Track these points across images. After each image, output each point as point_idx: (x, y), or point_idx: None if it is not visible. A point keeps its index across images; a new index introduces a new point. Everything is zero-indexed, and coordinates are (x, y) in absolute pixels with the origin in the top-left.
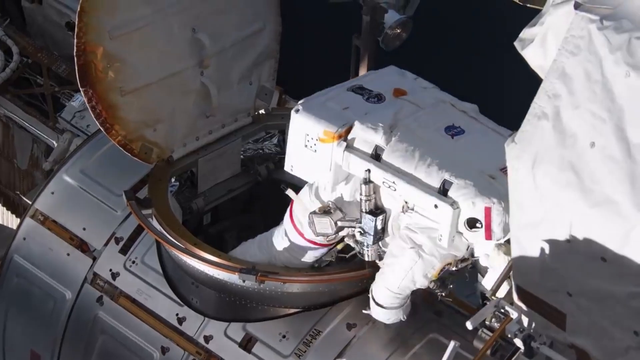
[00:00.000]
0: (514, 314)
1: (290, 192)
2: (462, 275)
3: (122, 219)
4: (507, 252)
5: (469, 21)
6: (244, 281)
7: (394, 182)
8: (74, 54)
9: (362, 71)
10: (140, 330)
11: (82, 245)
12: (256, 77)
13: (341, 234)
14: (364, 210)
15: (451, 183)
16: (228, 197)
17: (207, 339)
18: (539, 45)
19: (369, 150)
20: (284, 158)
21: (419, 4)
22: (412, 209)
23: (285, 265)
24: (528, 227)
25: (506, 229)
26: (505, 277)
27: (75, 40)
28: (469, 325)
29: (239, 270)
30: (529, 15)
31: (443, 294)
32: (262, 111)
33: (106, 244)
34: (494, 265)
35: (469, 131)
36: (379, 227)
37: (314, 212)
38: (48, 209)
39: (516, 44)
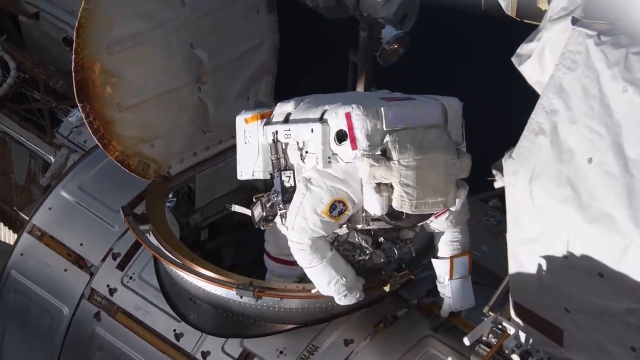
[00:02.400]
0: (511, 330)
1: (235, 207)
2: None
3: (120, 235)
4: (369, 156)
5: (466, 36)
6: (241, 297)
7: (289, 130)
8: (72, 69)
9: (360, 87)
10: (137, 346)
11: (79, 261)
12: (253, 92)
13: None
14: (274, 171)
15: (327, 110)
16: (225, 212)
17: (205, 354)
18: (537, 61)
19: (282, 119)
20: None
21: (416, 20)
22: (307, 152)
23: None
24: (525, 243)
25: (372, 139)
26: (502, 293)
27: (73, 56)
28: (466, 341)
29: (237, 286)
30: (527, 31)
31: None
32: None
33: (103, 260)
34: (362, 176)
35: (378, 94)
36: (286, 183)
37: (251, 204)
38: (45, 225)
39: (513, 59)
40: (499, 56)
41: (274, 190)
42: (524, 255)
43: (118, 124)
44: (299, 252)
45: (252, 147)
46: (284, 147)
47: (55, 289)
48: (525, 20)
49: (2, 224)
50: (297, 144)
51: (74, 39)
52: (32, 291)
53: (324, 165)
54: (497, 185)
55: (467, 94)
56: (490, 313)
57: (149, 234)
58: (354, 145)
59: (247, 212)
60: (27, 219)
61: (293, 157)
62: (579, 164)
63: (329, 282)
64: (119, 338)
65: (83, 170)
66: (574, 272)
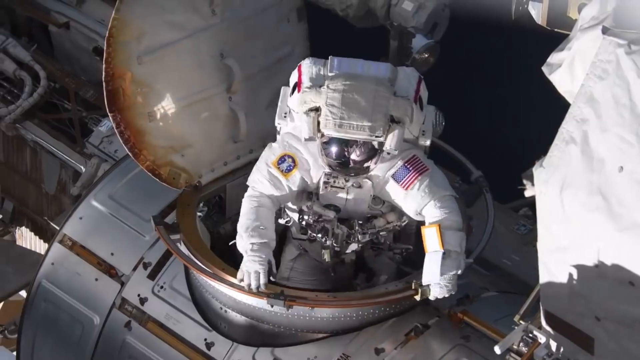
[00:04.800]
0: (542, 339)
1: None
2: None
3: (151, 244)
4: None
5: (496, 45)
6: (272, 306)
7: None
8: (103, 79)
9: None
10: (168, 355)
11: (110, 270)
12: None
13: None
14: None
15: None
16: None
17: None
18: (567, 70)
19: None
20: None
21: (447, 29)
22: None
23: None
24: (556, 252)
25: (314, 81)
26: (532, 301)
27: (103, 66)
28: (497, 349)
29: (267, 295)
30: (557, 40)
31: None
32: None
33: (134, 269)
34: (296, 107)
35: None
36: None
37: None
38: (76, 234)
39: (544, 68)
40: (529, 65)
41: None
42: (555, 263)
43: (149, 134)
44: (244, 200)
45: None
46: None
47: (86, 299)
48: (556, 29)
49: (33, 233)
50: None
51: (105, 48)
52: (63, 301)
53: (278, 117)
54: (527, 194)
55: (498, 103)
56: (521, 322)
57: (180, 244)
58: (299, 89)
59: None
60: (58, 228)
61: None
62: (609, 173)
63: (253, 222)
64: (149, 347)
65: (114, 180)
66: (604, 280)
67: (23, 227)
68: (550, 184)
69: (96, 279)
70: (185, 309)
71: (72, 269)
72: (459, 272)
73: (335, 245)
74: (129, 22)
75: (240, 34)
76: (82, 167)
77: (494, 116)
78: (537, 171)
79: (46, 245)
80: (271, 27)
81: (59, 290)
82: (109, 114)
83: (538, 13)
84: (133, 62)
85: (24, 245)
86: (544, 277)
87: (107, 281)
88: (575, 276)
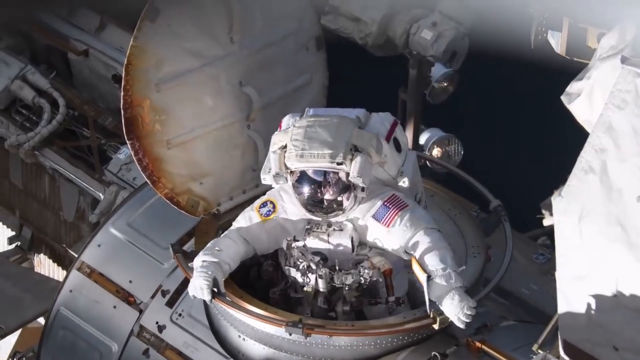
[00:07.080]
0: None
1: None
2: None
3: (169, 272)
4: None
5: (515, 74)
6: (290, 334)
7: None
8: (121, 106)
9: (409, 125)
10: None
11: (128, 298)
12: None
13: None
14: None
15: None
16: (274, 250)
17: None
18: (586, 99)
19: None
20: None
21: (465, 57)
22: None
23: None
24: (574, 281)
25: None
26: (551, 330)
27: (122, 93)
28: None
29: (286, 324)
30: (576, 69)
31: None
32: None
33: (153, 297)
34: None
35: None
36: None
37: None
38: (94, 262)
39: (563, 97)
40: (548, 94)
41: None
42: (573, 293)
43: (167, 162)
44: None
45: None
46: None
47: (104, 326)
48: (575, 59)
49: (51, 260)
50: None
51: (123, 76)
52: (81, 328)
53: (262, 173)
54: (546, 223)
55: (517, 132)
56: (539, 351)
57: None
58: (280, 127)
59: None
60: (76, 255)
61: None
62: (628, 203)
63: (212, 245)
64: None
65: (132, 208)
66: (623, 310)
67: (41, 254)
68: (568, 214)
69: (114, 307)
70: (203, 337)
71: (90, 297)
72: (458, 284)
73: (321, 288)
74: (147, 50)
75: (259, 62)
76: (101, 195)
77: (512, 145)
78: (556, 200)
79: (64, 272)
80: (290, 56)
81: (77, 317)
82: (127, 142)
83: (557, 42)
84: (151, 90)
85: (42, 272)
86: (562, 306)
87: (125, 309)
88: (593, 306)
